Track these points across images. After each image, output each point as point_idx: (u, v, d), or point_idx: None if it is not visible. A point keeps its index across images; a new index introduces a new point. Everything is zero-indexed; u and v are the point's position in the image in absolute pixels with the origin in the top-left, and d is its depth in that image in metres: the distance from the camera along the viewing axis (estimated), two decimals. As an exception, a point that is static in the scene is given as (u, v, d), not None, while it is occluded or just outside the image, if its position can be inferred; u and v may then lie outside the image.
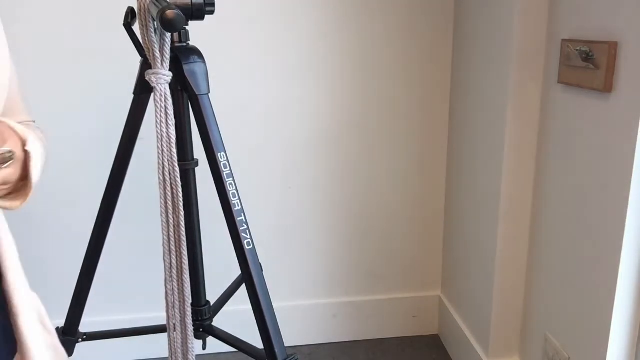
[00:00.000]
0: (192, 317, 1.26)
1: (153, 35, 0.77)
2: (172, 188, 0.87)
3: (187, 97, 1.04)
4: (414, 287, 1.92)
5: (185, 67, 0.98)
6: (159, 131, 0.84)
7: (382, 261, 1.87)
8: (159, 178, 0.87)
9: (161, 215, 0.89)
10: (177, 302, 0.95)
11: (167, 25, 0.95)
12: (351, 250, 1.85)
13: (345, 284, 1.88)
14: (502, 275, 1.46)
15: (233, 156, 1.65)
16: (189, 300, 0.95)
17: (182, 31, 1.01)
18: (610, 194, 1.07)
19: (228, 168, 1.01)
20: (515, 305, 1.49)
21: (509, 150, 1.36)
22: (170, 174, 0.87)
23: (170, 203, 0.88)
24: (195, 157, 1.16)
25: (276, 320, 1.04)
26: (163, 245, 0.90)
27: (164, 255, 0.91)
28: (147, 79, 0.80)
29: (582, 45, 1.11)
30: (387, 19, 1.66)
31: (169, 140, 0.85)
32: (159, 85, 0.79)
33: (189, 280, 0.93)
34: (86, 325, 1.29)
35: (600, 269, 1.11)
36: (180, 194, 0.87)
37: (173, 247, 0.91)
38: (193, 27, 1.09)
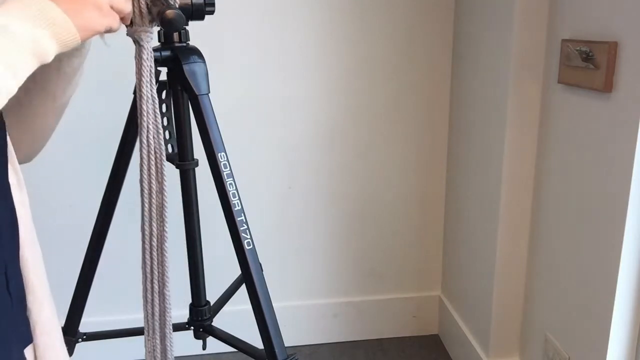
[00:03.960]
0: (192, 317, 1.26)
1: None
2: (157, 177, 0.82)
3: (187, 97, 1.04)
4: (414, 287, 1.92)
5: (185, 67, 0.98)
6: (145, 93, 0.80)
7: (382, 261, 1.87)
8: (142, 166, 0.81)
9: (142, 220, 0.83)
10: (157, 312, 0.93)
11: (167, 25, 0.95)
12: (351, 250, 1.85)
13: (345, 284, 1.88)
14: (502, 275, 1.46)
15: (233, 156, 1.65)
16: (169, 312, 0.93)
17: (182, 31, 1.01)
18: (610, 194, 1.07)
19: (228, 168, 1.01)
20: (515, 305, 1.49)
21: (509, 150, 1.36)
22: (156, 162, 0.82)
23: (154, 201, 0.83)
24: (195, 157, 1.16)
25: (276, 320, 1.04)
26: (143, 255, 0.86)
27: (143, 267, 0.86)
28: (135, 36, 0.78)
29: (582, 45, 1.11)
30: (388, 18, 1.66)
31: (155, 118, 0.81)
32: (147, 43, 0.79)
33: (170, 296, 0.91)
34: (86, 325, 1.29)
35: (600, 269, 1.11)
36: (165, 191, 0.84)
37: (155, 266, 0.87)
38: (193, 27, 1.09)
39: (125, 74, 1.54)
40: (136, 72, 0.81)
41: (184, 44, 1.02)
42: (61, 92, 0.75)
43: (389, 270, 1.89)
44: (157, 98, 0.82)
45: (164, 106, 1.15)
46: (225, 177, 1.00)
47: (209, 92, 1.02)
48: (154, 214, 0.84)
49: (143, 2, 0.77)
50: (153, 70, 0.81)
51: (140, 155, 0.83)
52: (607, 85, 1.05)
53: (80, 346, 1.24)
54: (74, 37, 0.58)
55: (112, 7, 0.63)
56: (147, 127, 0.83)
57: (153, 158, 0.84)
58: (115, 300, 1.77)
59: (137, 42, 0.79)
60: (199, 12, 0.95)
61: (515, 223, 1.42)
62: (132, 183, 1.54)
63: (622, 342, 1.10)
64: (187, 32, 1.02)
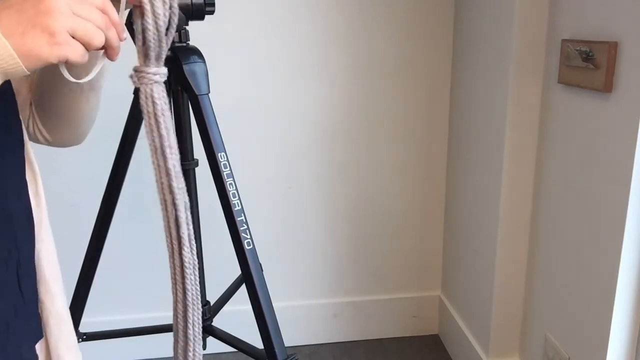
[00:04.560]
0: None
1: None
2: (173, 205, 0.71)
3: (187, 97, 1.04)
4: (414, 287, 1.92)
5: (185, 67, 0.98)
6: (150, 142, 0.67)
7: (382, 261, 1.87)
8: (160, 198, 0.71)
9: (167, 244, 0.75)
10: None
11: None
12: (351, 250, 1.85)
13: (345, 284, 1.88)
14: (502, 275, 1.46)
15: (233, 156, 1.65)
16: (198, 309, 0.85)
17: (182, 31, 1.01)
18: (610, 194, 1.07)
19: (228, 168, 1.01)
20: (515, 305, 1.49)
21: (509, 150, 1.36)
22: (171, 190, 0.70)
23: (173, 224, 0.73)
24: (195, 157, 1.16)
25: (276, 320, 1.04)
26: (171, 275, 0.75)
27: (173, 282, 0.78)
28: (133, 81, 0.66)
29: (582, 45, 1.11)
30: (387, 18, 1.66)
31: (162, 149, 0.66)
32: (143, 85, 0.64)
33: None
34: (86, 325, 1.29)
35: (600, 269, 1.11)
36: (182, 212, 0.72)
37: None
38: (193, 27, 1.09)
39: (125, 72, 1.53)
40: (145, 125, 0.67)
41: (184, 44, 1.02)
42: (81, 84, 0.70)
43: (389, 270, 1.89)
44: (171, 144, 0.67)
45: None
46: (225, 177, 1.00)
47: (209, 92, 1.02)
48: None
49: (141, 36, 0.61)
50: (160, 118, 0.65)
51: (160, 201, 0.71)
52: (607, 85, 1.05)
53: (80, 346, 1.24)
54: (15, 66, 0.49)
55: (74, 36, 0.51)
56: (161, 182, 0.69)
57: (171, 206, 0.72)
58: (115, 300, 1.77)
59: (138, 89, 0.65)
60: (199, 12, 0.95)
61: (515, 223, 1.42)
62: (132, 183, 1.54)
63: (622, 342, 1.10)
64: (187, 32, 1.02)
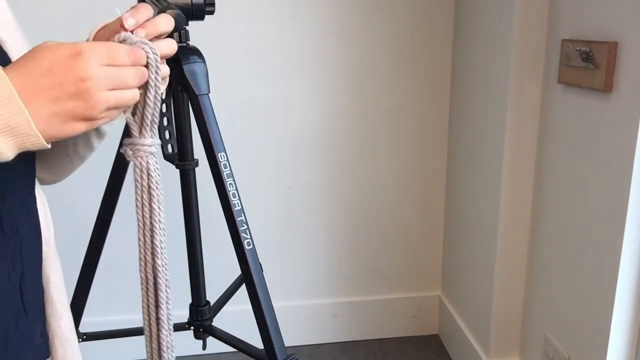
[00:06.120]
0: (192, 317, 1.26)
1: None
2: (155, 284, 0.70)
3: (187, 97, 1.04)
4: (414, 287, 1.92)
5: (185, 67, 0.98)
6: (139, 217, 0.65)
7: (382, 261, 1.87)
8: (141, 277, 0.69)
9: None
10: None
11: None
12: (351, 250, 1.85)
13: (345, 284, 1.88)
14: (502, 275, 1.46)
15: (233, 156, 1.65)
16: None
17: (182, 31, 1.01)
18: (611, 194, 1.07)
19: (228, 168, 1.01)
20: (515, 305, 1.49)
21: (509, 150, 1.36)
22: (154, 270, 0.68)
23: (152, 304, 0.72)
24: (195, 157, 1.16)
25: (276, 320, 1.04)
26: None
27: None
28: (122, 151, 0.65)
29: (582, 45, 1.11)
30: (387, 19, 1.66)
31: (151, 224, 0.65)
32: (138, 158, 0.62)
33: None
34: (86, 325, 1.29)
35: (600, 269, 1.11)
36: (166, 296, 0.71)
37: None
38: (193, 27, 1.09)
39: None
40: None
41: (184, 44, 1.02)
42: (77, 148, 0.72)
43: (389, 270, 1.89)
44: (160, 222, 0.65)
45: (164, 106, 1.15)
46: (225, 177, 1.00)
47: (209, 92, 1.02)
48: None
49: (152, 97, 0.58)
50: (154, 192, 0.64)
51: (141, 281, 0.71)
52: (607, 85, 1.05)
53: (80, 346, 1.24)
54: (42, 146, 0.49)
55: (109, 107, 0.51)
56: (145, 258, 0.68)
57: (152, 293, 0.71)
58: (115, 300, 1.77)
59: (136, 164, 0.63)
60: (199, 12, 0.95)
61: (515, 223, 1.42)
62: (132, 182, 1.54)
63: (622, 342, 1.10)
64: (187, 32, 1.02)
